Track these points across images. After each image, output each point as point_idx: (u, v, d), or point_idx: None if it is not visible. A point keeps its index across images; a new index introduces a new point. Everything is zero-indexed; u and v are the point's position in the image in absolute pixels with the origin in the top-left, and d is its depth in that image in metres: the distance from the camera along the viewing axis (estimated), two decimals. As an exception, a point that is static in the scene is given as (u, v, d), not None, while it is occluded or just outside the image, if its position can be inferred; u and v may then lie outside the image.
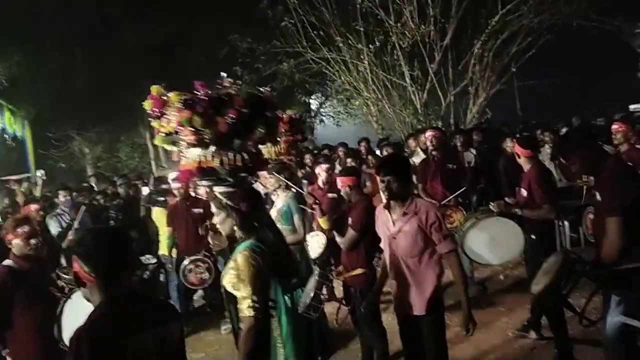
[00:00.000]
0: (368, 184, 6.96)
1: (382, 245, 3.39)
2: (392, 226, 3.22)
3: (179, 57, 13.35)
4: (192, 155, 2.79)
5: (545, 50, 10.10)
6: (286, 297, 2.84)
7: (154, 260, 6.09)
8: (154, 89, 2.90)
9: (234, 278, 2.55)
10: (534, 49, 10.06)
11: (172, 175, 6.10)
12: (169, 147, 2.93)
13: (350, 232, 3.99)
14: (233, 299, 2.62)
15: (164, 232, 6.05)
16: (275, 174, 4.78)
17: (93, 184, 9.50)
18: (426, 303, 3.15)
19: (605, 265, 2.76)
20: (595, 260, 2.83)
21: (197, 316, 6.12)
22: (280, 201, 4.86)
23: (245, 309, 2.46)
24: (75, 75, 13.42)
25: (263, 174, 4.60)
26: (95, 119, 14.89)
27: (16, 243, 3.46)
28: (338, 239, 4.13)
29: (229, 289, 2.61)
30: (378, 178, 3.21)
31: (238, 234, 2.69)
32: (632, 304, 2.80)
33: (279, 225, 3.36)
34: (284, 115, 3.53)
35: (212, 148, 2.73)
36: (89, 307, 1.90)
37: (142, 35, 13.00)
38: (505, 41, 10.01)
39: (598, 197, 2.93)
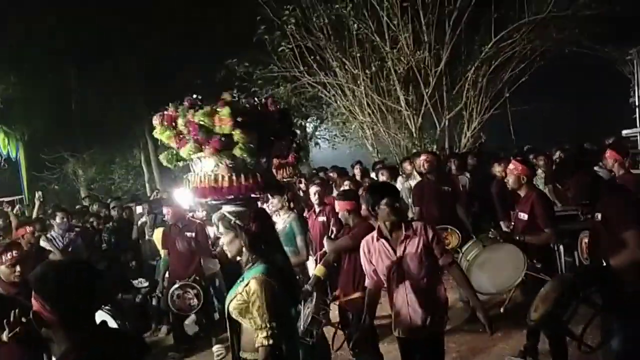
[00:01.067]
0: (364, 207, 6.94)
1: (379, 276, 3.36)
2: (392, 253, 3.23)
3: (176, 81, 13.46)
4: (204, 172, 2.66)
5: (538, 76, 10.26)
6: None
7: (146, 284, 6.01)
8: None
9: (243, 305, 2.43)
10: (527, 74, 10.23)
11: (177, 192, 6.01)
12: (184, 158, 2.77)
13: (345, 239, 3.97)
14: (237, 326, 2.52)
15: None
16: (278, 195, 4.76)
17: (88, 205, 9.44)
18: (443, 318, 3.30)
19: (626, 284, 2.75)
20: (607, 280, 2.81)
21: (189, 342, 6.00)
22: (282, 222, 4.83)
23: (263, 338, 2.33)
24: (70, 97, 13.49)
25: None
26: (90, 141, 14.90)
27: (2, 270, 3.40)
28: (326, 242, 4.12)
29: (234, 315, 2.49)
30: (382, 204, 3.18)
31: (245, 256, 2.57)
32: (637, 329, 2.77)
33: None
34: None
35: (226, 163, 2.61)
36: None
37: (139, 58, 13.13)
38: (498, 67, 10.19)
39: (599, 217, 2.96)
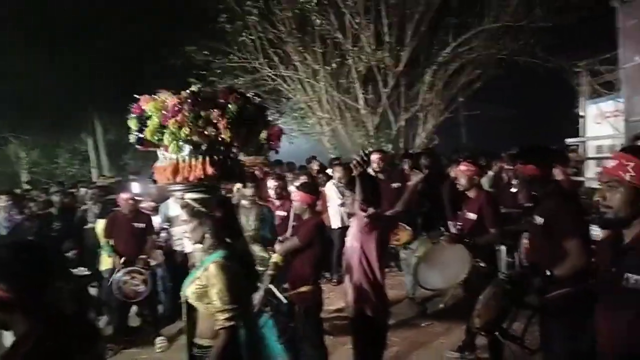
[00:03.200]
0: (319, 202, 6.96)
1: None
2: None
3: (131, 66, 13.01)
4: (169, 157, 2.65)
5: (492, 82, 10.63)
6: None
7: (87, 273, 5.77)
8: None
9: (201, 289, 2.47)
10: (482, 81, 10.57)
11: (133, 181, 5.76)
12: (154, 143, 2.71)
13: (294, 240, 3.97)
14: (193, 311, 2.56)
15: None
16: (251, 185, 4.72)
17: (28, 189, 8.98)
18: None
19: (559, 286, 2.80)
20: (543, 285, 2.81)
21: (130, 333, 5.83)
22: (248, 212, 4.78)
23: (223, 320, 2.38)
24: (11, 75, 12.77)
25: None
26: (34, 123, 14.17)
27: None
28: (277, 245, 4.11)
29: (192, 300, 2.53)
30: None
31: (207, 243, 2.58)
32: (578, 330, 2.86)
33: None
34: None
35: (203, 149, 2.61)
36: None
37: (92, 42, 12.60)
38: (454, 72, 10.47)
39: (539, 220, 2.98)
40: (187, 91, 2.66)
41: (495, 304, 2.96)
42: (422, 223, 7.00)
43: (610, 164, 1.87)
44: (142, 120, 2.67)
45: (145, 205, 6.12)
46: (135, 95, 2.73)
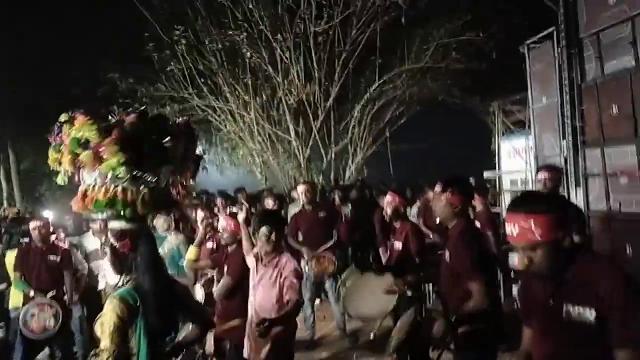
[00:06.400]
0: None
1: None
2: (255, 275, 3.40)
3: (55, 89, 12.29)
4: (90, 182, 2.45)
5: (415, 118, 11.25)
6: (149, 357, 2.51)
7: (-7, 313, 5.24)
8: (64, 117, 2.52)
9: (99, 326, 2.40)
10: (405, 117, 11.14)
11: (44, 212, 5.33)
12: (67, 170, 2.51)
13: (227, 279, 3.86)
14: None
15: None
16: (164, 215, 4.51)
17: None
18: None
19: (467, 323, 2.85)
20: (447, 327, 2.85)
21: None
22: (168, 244, 4.56)
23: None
24: None
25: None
26: None
27: None
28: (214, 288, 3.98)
29: (98, 333, 2.46)
30: (260, 232, 3.29)
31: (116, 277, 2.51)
32: None
33: None
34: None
35: (109, 177, 2.41)
36: None
37: (9, 58, 11.84)
38: (381, 108, 10.96)
39: (448, 258, 3.00)
40: (67, 115, 2.50)
41: (407, 329, 3.15)
42: (352, 253, 7.11)
43: (513, 230, 1.81)
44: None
45: (61, 238, 5.72)
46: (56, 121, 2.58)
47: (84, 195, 2.45)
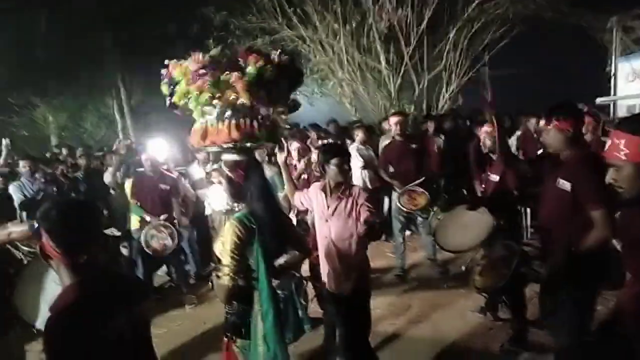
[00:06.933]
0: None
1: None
2: (325, 209, 3.40)
3: (149, 26, 12.92)
4: (206, 120, 2.72)
5: (517, 40, 10.26)
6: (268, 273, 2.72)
7: (118, 234, 5.97)
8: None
9: (221, 246, 2.63)
10: (507, 38, 10.20)
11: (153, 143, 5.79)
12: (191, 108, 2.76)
13: None
14: None
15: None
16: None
17: (63, 153, 9.15)
18: (365, 277, 3.43)
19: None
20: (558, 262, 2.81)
21: (160, 291, 6.08)
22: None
23: (223, 275, 2.54)
24: (37, 39, 12.84)
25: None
26: (60, 86, 14.32)
27: None
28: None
29: (218, 253, 2.70)
30: (331, 163, 3.32)
31: (230, 204, 2.75)
32: (587, 301, 2.87)
33: None
34: None
35: (229, 113, 2.67)
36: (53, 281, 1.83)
37: (112, 2, 12.53)
38: (479, 30, 10.12)
39: (567, 187, 2.81)
40: (207, 56, 2.68)
41: (502, 272, 3.01)
42: (445, 185, 6.98)
43: (607, 145, 1.81)
44: (172, 85, 2.73)
45: (171, 168, 6.22)
46: (163, 60, 2.79)
47: (205, 130, 2.69)
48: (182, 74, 2.67)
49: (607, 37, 9.13)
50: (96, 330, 1.69)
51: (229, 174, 2.72)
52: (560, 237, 2.85)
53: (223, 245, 2.60)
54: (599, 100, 8.57)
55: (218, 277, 2.57)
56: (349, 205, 3.30)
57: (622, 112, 8.45)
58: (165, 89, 2.79)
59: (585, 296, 2.87)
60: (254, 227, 2.59)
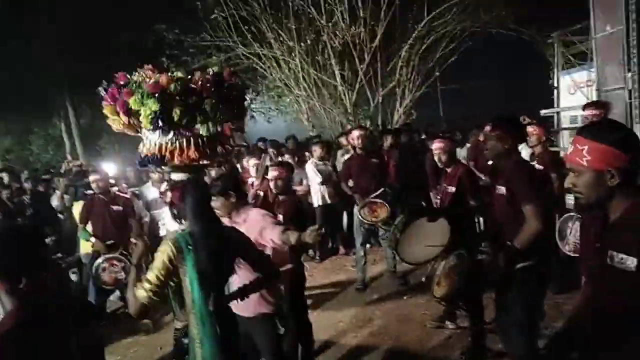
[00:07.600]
0: (305, 181, 6.99)
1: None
2: None
3: (101, 44, 12.60)
4: (153, 141, 2.73)
5: (466, 55, 10.67)
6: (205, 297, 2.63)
7: (68, 259, 5.70)
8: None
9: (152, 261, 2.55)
10: (457, 54, 10.59)
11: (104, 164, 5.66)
12: (130, 133, 2.81)
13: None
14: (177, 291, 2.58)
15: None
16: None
17: (4, 179, 8.70)
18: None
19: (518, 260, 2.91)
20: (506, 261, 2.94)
21: (114, 317, 5.81)
22: None
23: (142, 289, 2.41)
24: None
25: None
26: (4, 108, 13.69)
27: None
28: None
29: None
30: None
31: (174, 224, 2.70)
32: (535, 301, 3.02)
33: None
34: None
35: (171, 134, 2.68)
36: None
37: (59, 19, 12.16)
38: (430, 46, 10.46)
39: (503, 191, 3.06)
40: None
41: (455, 280, 3.15)
42: (404, 198, 7.06)
43: (569, 149, 1.82)
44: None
45: (123, 188, 6.04)
46: (111, 76, 2.76)
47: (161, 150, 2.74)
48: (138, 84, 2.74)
49: (550, 51, 9.60)
50: (39, 356, 1.64)
51: (170, 193, 2.71)
52: (504, 239, 3.01)
53: (154, 260, 2.50)
54: (543, 111, 8.96)
55: (136, 287, 2.45)
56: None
57: (565, 123, 8.86)
58: (109, 111, 2.83)
59: (530, 297, 3.00)
60: (189, 248, 2.47)
